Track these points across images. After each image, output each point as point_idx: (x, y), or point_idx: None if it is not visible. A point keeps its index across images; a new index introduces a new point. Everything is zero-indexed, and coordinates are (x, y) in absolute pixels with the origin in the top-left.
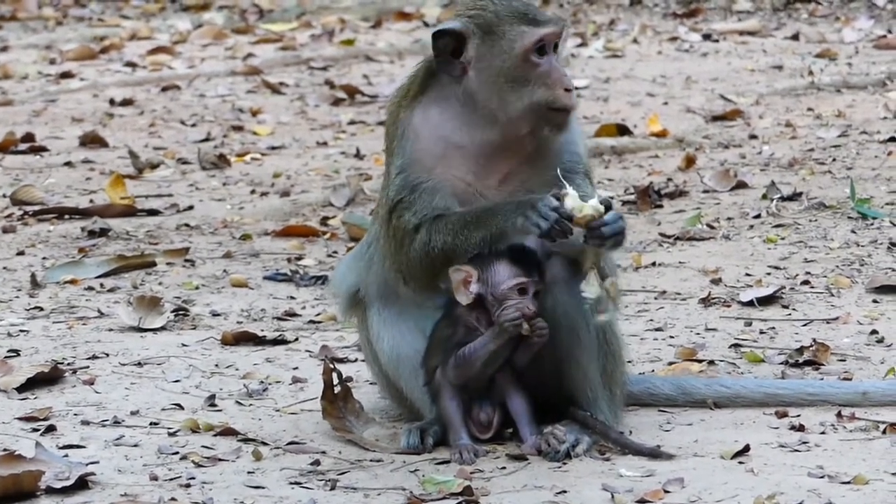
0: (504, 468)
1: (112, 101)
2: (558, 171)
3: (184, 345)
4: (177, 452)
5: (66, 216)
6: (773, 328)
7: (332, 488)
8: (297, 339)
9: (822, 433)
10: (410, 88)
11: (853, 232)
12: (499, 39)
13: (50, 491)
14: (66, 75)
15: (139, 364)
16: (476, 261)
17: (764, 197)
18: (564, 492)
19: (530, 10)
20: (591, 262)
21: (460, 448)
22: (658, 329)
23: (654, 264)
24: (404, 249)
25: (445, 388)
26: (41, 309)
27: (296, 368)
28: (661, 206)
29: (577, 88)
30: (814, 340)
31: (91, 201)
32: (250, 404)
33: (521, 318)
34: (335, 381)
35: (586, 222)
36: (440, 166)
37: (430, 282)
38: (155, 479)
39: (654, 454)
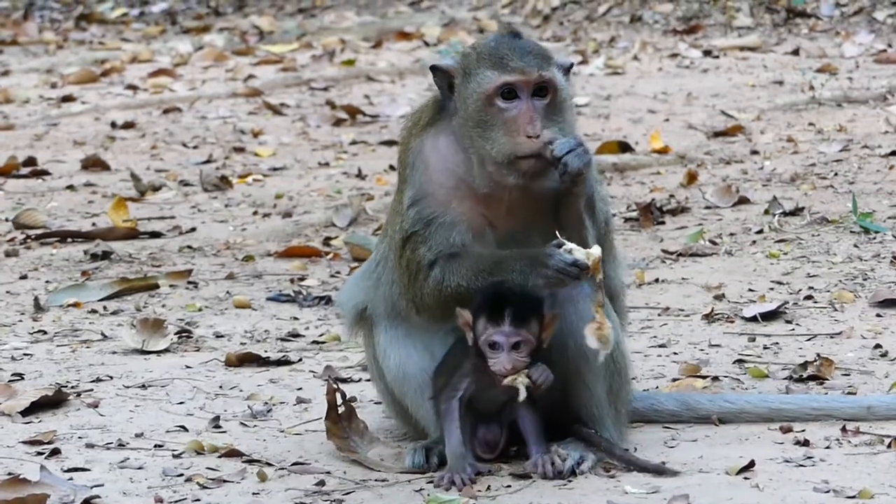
0: (509, 486)
1: (113, 124)
2: (557, 233)
3: (188, 367)
4: (181, 474)
5: (69, 239)
6: (777, 343)
7: None
8: (300, 360)
9: (827, 448)
10: (422, 116)
11: (856, 246)
12: (471, 82)
13: None
14: (68, 99)
15: (143, 386)
16: (474, 304)
17: (766, 212)
18: None
19: (507, 54)
20: (595, 306)
21: (454, 476)
22: (662, 345)
23: (657, 281)
24: (418, 283)
25: (450, 409)
26: (45, 332)
27: (300, 389)
28: (663, 223)
29: (578, 106)
30: (817, 355)
31: (93, 224)
32: (255, 425)
33: (501, 375)
34: (339, 401)
35: (596, 264)
36: (454, 200)
37: (444, 315)
38: (160, 501)
39: (659, 471)
